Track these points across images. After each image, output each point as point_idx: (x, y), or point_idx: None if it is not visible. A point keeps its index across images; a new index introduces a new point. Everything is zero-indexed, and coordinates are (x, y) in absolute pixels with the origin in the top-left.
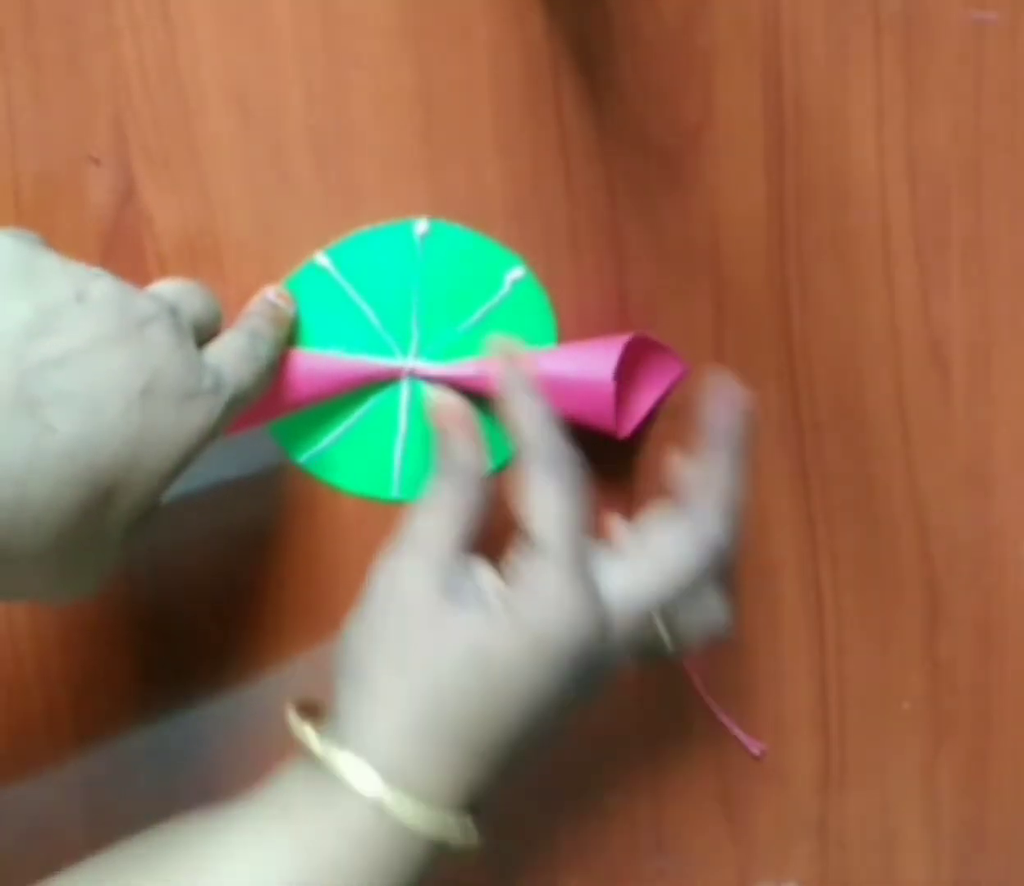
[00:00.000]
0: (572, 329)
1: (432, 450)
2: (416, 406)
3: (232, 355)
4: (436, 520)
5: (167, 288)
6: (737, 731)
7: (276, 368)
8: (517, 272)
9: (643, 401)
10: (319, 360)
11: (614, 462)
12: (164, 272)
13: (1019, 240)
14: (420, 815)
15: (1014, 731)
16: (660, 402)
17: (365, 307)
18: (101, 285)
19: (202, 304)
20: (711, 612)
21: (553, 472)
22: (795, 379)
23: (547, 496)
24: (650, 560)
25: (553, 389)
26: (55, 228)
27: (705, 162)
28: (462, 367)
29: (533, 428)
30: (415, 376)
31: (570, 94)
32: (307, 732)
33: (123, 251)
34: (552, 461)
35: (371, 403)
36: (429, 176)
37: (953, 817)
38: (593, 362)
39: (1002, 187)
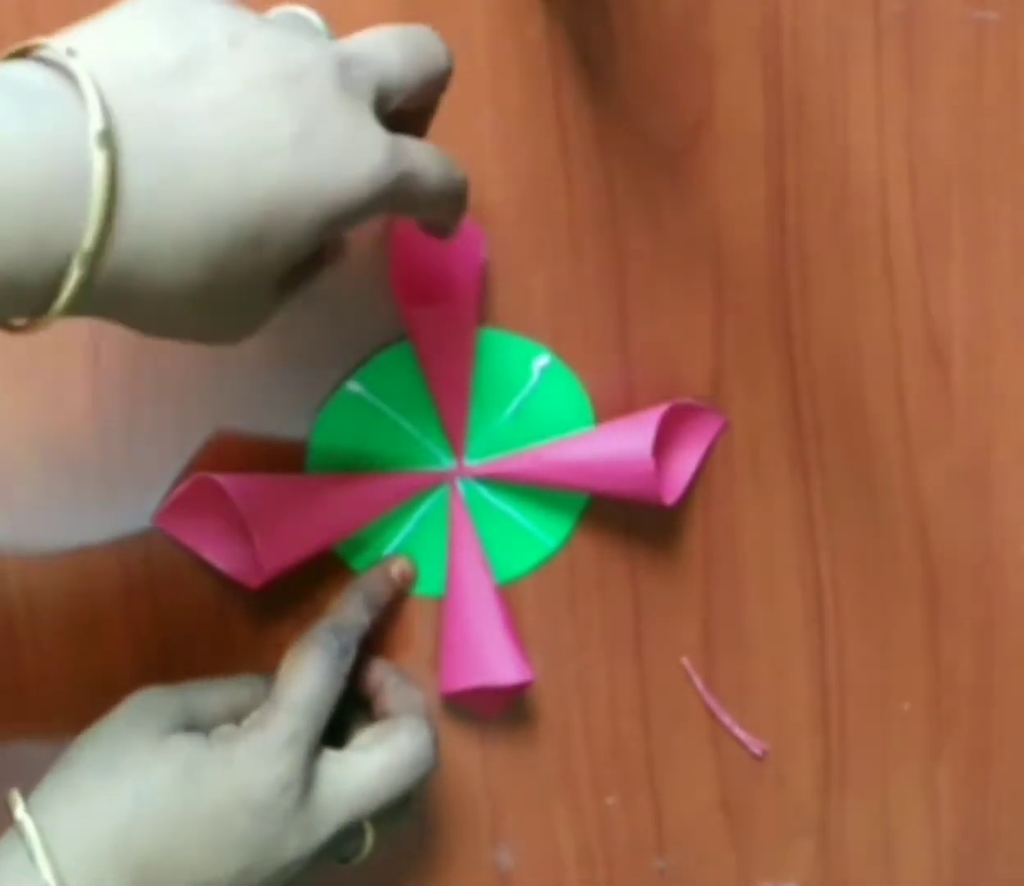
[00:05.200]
0: (573, 329)
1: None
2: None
3: (427, 150)
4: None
5: (365, 39)
6: (738, 731)
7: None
8: (543, 360)
9: (686, 464)
10: (371, 482)
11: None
12: None
13: (1019, 239)
14: None
15: (1014, 731)
16: (703, 461)
17: (402, 421)
18: (262, 34)
19: (401, 60)
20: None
21: (326, 653)
22: (795, 379)
23: (308, 672)
24: (371, 771)
25: (594, 471)
26: None
27: (705, 161)
28: (507, 461)
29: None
30: (464, 477)
31: (570, 94)
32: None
33: None
34: (328, 643)
35: (424, 509)
36: None
37: (953, 817)
38: (631, 439)
39: (1002, 187)
